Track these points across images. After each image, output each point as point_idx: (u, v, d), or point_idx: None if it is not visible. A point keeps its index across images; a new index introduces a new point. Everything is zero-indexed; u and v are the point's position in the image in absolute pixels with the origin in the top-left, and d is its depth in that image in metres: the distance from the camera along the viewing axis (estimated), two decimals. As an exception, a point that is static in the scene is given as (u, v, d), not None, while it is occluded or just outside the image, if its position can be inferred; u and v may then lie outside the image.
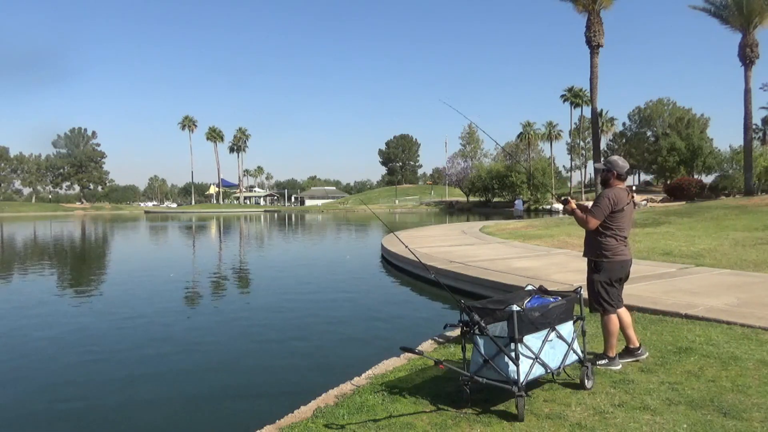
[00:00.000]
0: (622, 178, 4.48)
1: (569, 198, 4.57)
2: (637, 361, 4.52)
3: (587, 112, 71.25)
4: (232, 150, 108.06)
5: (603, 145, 79.87)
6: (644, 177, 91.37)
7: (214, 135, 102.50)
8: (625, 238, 4.42)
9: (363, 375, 4.65)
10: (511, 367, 3.52)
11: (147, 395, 5.60)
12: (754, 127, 60.62)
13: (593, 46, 32.11)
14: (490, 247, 15.20)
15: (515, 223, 27.15)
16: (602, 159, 4.64)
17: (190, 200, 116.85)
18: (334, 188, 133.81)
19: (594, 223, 4.34)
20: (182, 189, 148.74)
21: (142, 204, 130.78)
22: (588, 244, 4.52)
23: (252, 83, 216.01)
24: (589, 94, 38.20)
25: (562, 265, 10.67)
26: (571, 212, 4.52)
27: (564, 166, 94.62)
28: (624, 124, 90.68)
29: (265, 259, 20.14)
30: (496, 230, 21.44)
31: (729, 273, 9.11)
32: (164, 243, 29.52)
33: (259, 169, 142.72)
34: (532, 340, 3.63)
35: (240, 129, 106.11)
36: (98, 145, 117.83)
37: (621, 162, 4.47)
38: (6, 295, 12.18)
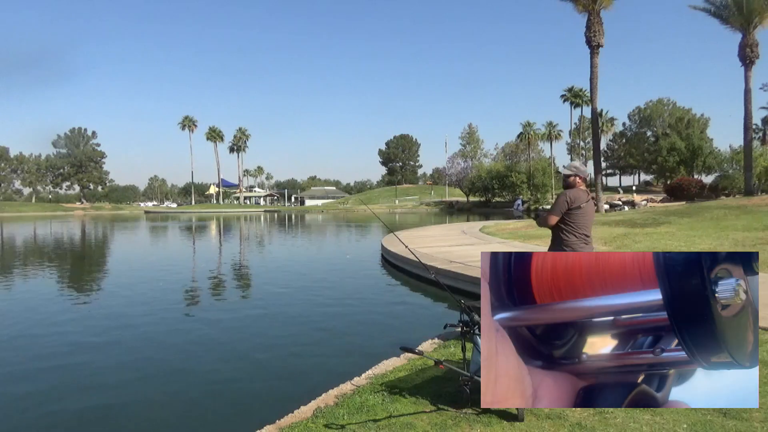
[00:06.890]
0: (585, 181, 4.85)
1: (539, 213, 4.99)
2: None
3: (587, 112, 71.25)
4: (232, 150, 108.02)
5: (603, 145, 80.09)
6: (644, 177, 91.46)
7: (214, 135, 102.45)
8: (587, 236, 4.62)
9: (363, 375, 4.65)
10: (511, 367, 3.51)
11: (148, 395, 5.60)
12: (754, 127, 60.64)
13: (593, 46, 32.11)
14: (490, 247, 15.20)
15: (515, 223, 27.14)
16: (567, 164, 5.01)
17: (190, 200, 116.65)
18: (334, 188, 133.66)
19: (552, 219, 4.60)
20: (182, 189, 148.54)
21: (142, 204, 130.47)
22: (552, 242, 4.74)
23: (252, 83, 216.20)
24: (589, 94, 38.21)
25: (562, 265, 10.66)
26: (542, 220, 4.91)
27: (564, 166, 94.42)
28: (624, 124, 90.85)
29: (265, 259, 20.15)
30: (496, 230, 21.44)
31: (729, 273, 9.09)
32: (164, 243, 29.51)
33: (259, 169, 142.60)
34: (532, 340, 3.63)
35: (240, 129, 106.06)
36: (98, 145, 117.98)
37: (584, 168, 4.89)
38: (7, 295, 12.17)
